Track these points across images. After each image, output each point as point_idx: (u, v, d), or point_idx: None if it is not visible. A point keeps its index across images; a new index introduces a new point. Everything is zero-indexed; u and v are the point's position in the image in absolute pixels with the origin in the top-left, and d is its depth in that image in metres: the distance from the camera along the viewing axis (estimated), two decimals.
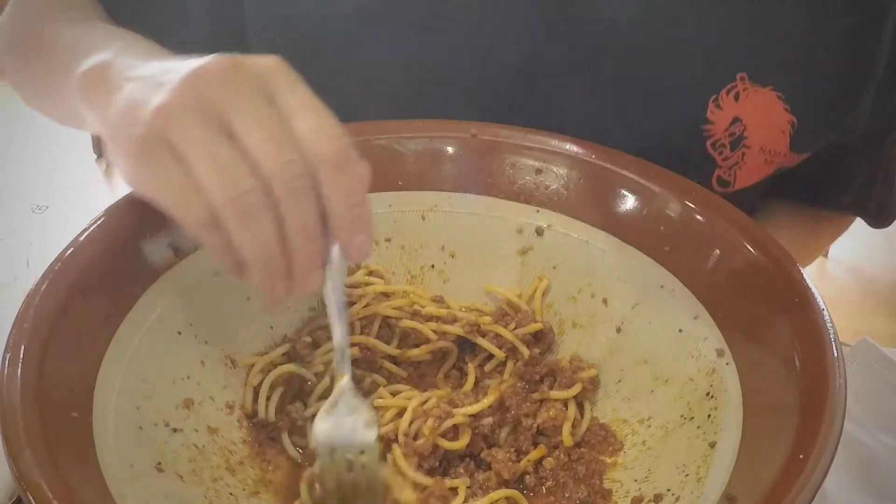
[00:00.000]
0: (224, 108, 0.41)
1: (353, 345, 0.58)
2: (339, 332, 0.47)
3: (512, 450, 0.55)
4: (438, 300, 0.64)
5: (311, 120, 0.42)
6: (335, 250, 0.45)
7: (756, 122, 0.64)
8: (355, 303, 0.62)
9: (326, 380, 0.57)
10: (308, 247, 0.43)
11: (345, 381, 0.48)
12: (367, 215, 0.44)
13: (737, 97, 0.64)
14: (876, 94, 0.67)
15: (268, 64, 0.43)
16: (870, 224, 0.84)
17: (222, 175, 0.41)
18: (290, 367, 0.57)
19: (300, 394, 0.58)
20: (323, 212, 0.43)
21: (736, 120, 0.63)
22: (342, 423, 0.48)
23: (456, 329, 0.60)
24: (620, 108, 0.66)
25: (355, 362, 0.58)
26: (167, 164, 0.41)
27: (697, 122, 0.64)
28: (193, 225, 0.42)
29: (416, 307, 0.61)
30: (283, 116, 0.42)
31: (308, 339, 0.59)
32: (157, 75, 0.44)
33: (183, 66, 0.43)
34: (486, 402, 0.55)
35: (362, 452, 0.48)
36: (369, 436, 0.48)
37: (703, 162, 0.65)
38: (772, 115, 0.64)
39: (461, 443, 0.54)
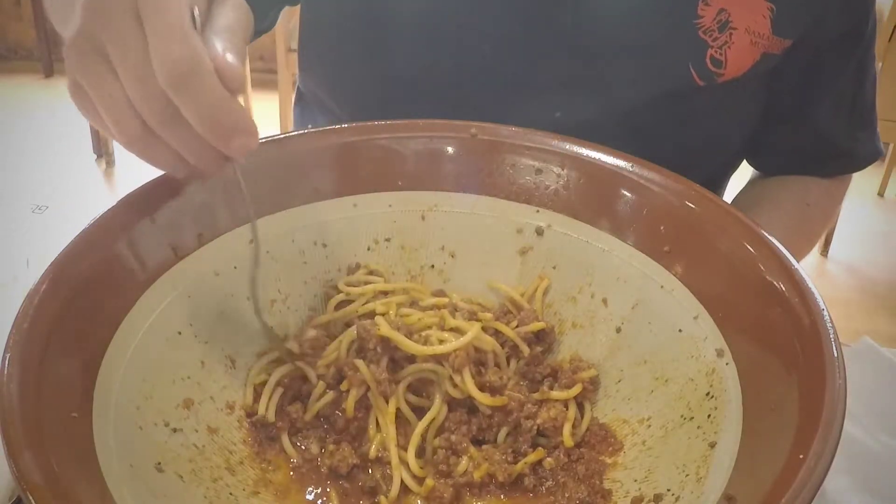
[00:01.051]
0: (102, 41, 0.45)
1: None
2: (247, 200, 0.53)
3: (509, 451, 0.55)
4: (439, 294, 0.64)
5: (157, 43, 0.44)
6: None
7: (739, 9, 0.73)
8: (354, 300, 0.62)
9: (322, 384, 0.57)
10: (200, 155, 0.47)
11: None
12: (230, 119, 0.45)
13: None
14: None
15: None
16: (844, 164, 0.89)
17: (113, 118, 0.46)
18: (291, 367, 0.57)
19: (300, 394, 0.58)
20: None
21: (722, 10, 0.72)
22: None
23: (459, 322, 0.60)
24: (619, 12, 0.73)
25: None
26: (88, 104, 0.47)
27: (688, 19, 0.73)
28: (123, 145, 0.48)
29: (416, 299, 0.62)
30: (146, 38, 0.44)
31: (312, 333, 0.59)
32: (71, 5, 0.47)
33: None
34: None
35: None
36: None
37: (696, 47, 0.73)
38: (752, 2, 0.73)
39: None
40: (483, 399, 0.55)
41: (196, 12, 0.46)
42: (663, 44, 0.73)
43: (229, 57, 0.46)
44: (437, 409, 0.55)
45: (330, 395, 0.56)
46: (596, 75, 0.75)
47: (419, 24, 0.74)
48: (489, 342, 0.58)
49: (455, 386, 0.55)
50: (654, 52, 0.74)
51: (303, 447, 0.55)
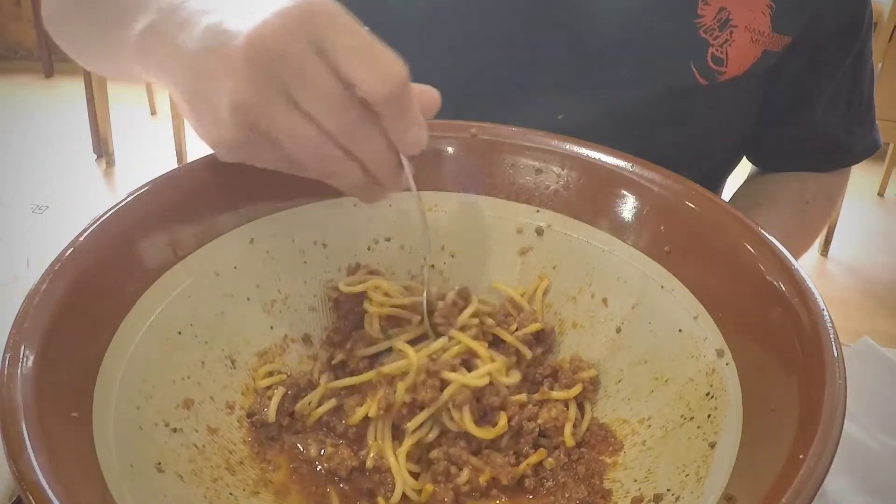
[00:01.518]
0: (285, 84, 0.45)
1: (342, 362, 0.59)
2: (417, 204, 0.57)
3: (511, 453, 0.55)
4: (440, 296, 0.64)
5: (361, 65, 0.45)
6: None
7: (739, 7, 0.73)
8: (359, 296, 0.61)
9: (322, 388, 0.57)
10: (386, 168, 0.50)
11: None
12: (420, 124, 0.49)
13: None
14: None
15: (311, 11, 0.45)
16: (840, 158, 0.89)
17: (308, 152, 0.47)
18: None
19: (302, 393, 0.58)
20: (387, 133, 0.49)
21: (722, 9, 0.73)
22: None
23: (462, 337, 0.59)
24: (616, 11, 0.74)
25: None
26: (262, 148, 0.48)
27: (689, 18, 0.73)
28: (315, 174, 0.50)
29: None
30: (336, 69, 0.45)
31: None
32: (208, 51, 0.47)
33: (232, 39, 0.46)
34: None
35: None
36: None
37: (697, 46, 0.74)
38: (752, 0, 0.73)
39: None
40: (481, 434, 0.54)
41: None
42: (664, 44, 0.74)
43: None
44: (427, 429, 0.55)
45: (332, 401, 0.56)
46: (597, 77, 0.75)
47: (419, 26, 0.74)
48: (506, 381, 0.57)
49: (452, 419, 0.55)
50: (655, 52, 0.74)
51: (302, 448, 0.55)
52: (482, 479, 0.53)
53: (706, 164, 0.81)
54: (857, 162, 0.89)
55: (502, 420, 0.55)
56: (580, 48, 0.73)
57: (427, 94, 0.51)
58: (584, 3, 0.72)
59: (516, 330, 0.61)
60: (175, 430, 0.51)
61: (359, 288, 0.61)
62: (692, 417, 0.53)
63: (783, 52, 0.76)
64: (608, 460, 0.55)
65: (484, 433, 0.54)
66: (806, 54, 0.79)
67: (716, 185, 0.89)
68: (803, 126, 0.85)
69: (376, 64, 0.45)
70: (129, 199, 0.54)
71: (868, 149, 0.88)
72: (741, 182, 0.92)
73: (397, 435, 0.55)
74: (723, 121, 0.80)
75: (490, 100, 0.74)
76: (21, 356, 0.43)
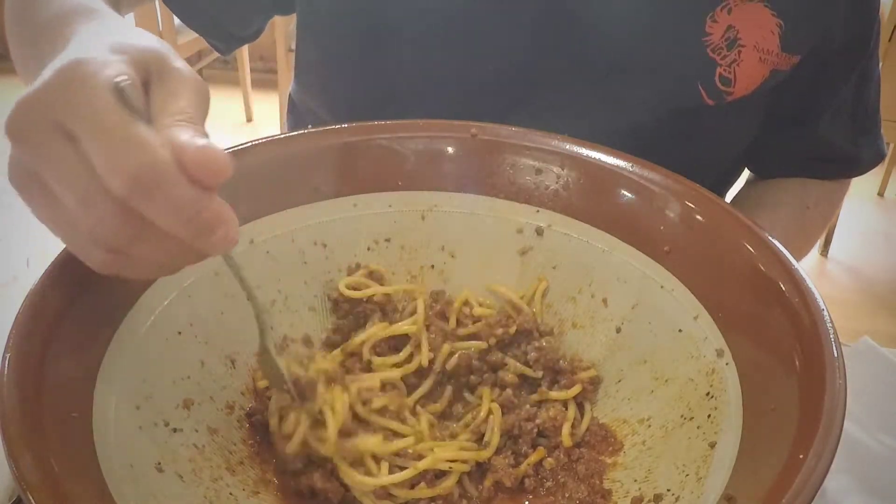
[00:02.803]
0: (34, 165, 0.39)
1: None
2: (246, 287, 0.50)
3: (510, 453, 0.55)
4: (438, 294, 0.64)
5: (102, 155, 0.37)
6: None
7: (748, 25, 0.72)
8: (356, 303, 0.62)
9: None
10: (183, 257, 0.41)
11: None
12: (207, 217, 0.39)
13: (729, 11, 0.72)
14: (849, 1, 0.76)
15: (65, 90, 0.38)
16: (844, 168, 0.89)
17: (74, 247, 0.42)
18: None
19: None
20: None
21: (730, 27, 0.72)
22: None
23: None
24: (625, 25, 0.72)
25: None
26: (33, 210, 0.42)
27: (697, 36, 0.71)
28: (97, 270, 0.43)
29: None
30: (84, 155, 0.38)
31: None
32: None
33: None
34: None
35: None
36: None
37: (704, 65, 0.72)
38: (761, 19, 0.72)
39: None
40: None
41: (124, 82, 0.38)
42: (671, 64, 0.73)
43: (199, 142, 0.38)
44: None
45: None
46: (602, 97, 0.74)
47: (423, 43, 0.74)
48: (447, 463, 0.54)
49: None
50: (662, 72, 0.73)
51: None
52: (487, 483, 0.53)
53: (708, 178, 0.80)
54: (861, 173, 0.88)
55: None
56: (586, 68, 0.73)
57: (203, 167, 0.38)
58: (590, 23, 0.71)
59: (516, 332, 0.61)
60: (175, 430, 0.51)
61: (358, 294, 0.61)
62: (692, 417, 0.53)
63: (791, 71, 0.75)
64: (608, 460, 0.55)
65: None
66: (812, 69, 0.77)
67: (717, 194, 0.88)
68: (807, 139, 0.84)
69: (113, 159, 0.36)
70: None
71: (873, 160, 0.87)
72: (741, 184, 0.92)
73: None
74: (728, 138, 0.80)
75: (494, 118, 0.73)
76: (21, 356, 0.43)
